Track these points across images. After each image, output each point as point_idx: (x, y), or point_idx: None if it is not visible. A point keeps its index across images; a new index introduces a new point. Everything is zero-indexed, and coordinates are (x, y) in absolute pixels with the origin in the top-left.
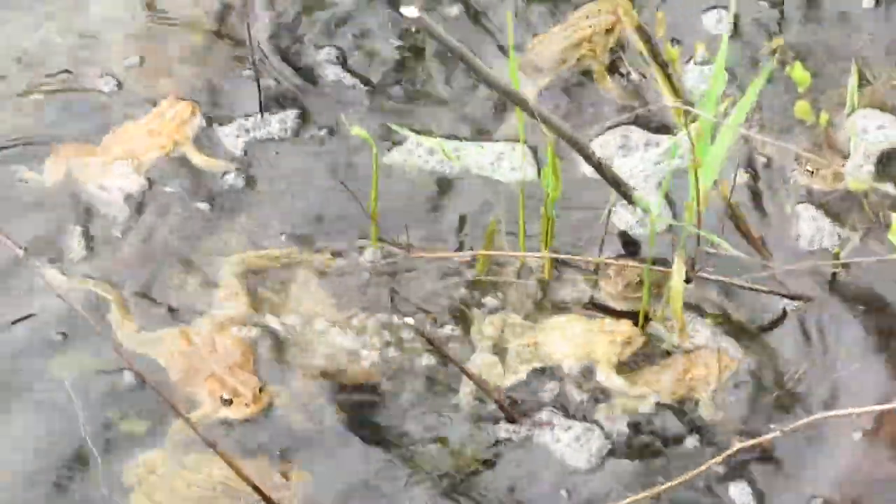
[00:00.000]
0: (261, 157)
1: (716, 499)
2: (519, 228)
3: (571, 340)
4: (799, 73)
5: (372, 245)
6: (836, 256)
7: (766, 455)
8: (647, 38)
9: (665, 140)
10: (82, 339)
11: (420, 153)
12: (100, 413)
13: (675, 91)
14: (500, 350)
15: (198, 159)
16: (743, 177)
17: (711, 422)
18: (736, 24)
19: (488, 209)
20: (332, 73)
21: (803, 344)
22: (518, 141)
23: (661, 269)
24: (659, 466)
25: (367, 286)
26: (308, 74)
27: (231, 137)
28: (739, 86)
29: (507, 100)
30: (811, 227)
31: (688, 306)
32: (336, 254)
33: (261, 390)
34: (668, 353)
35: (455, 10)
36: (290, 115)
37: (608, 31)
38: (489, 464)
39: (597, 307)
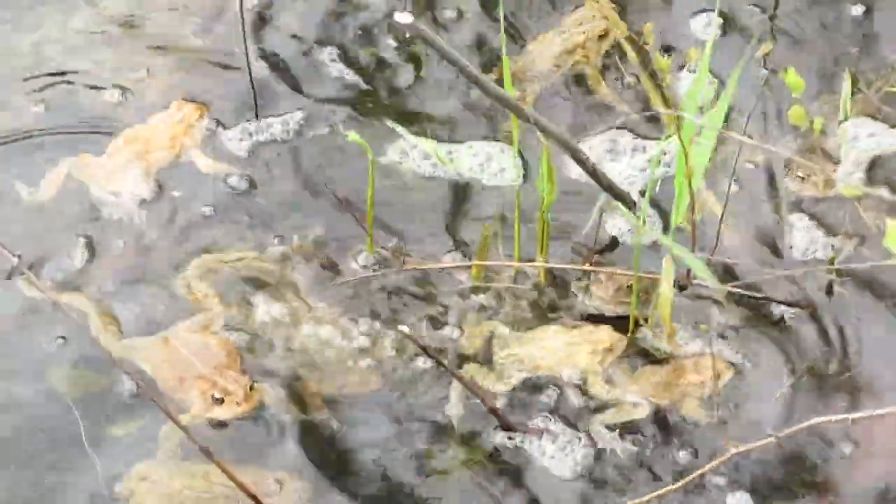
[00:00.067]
0: (263, 159)
1: None
2: (514, 234)
3: (555, 352)
4: (793, 78)
5: (367, 251)
6: (832, 262)
7: (762, 461)
8: (639, 48)
9: (653, 146)
10: (80, 347)
11: (415, 155)
12: (97, 420)
13: (665, 99)
14: (487, 359)
15: (203, 163)
16: (735, 185)
17: (705, 428)
18: (725, 30)
19: (483, 211)
20: (332, 73)
21: (799, 350)
22: (510, 142)
23: (651, 275)
24: (651, 474)
25: (360, 291)
26: (308, 75)
27: (235, 141)
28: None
29: (502, 106)
30: (805, 237)
31: (682, 312)
32: (331, 262)
33: (251, 388)
34: (658, 360)
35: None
36: (292, 117)
37: (601, 37)
38: (481, 469)
39: (591, 318)
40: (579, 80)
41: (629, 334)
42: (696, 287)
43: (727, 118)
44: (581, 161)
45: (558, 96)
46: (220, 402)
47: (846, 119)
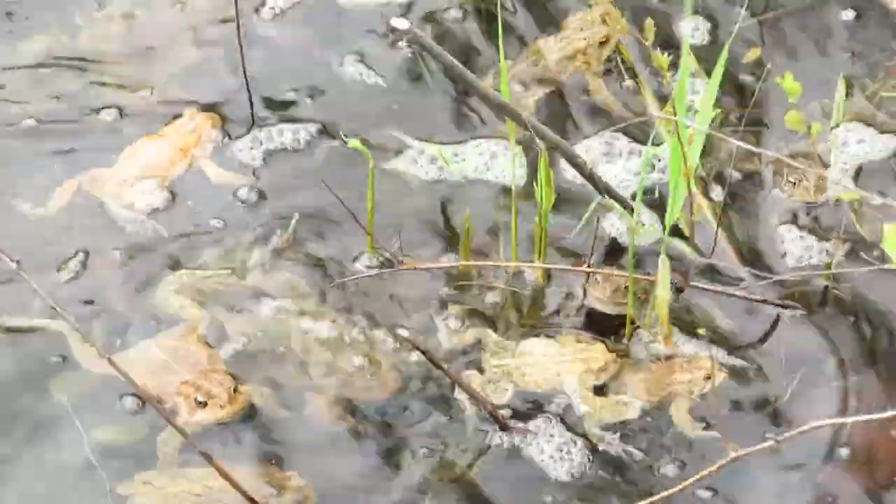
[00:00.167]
0: (273, 169)
1: None
2: (511, 235)
3: (547, 369)
4: (790, 83)
5: (368, 251)
6: (829, 267)
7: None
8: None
9: (645, 149)
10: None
11: (422, 161)
12: (98, 429)
13: (662, 100)
14: (478, 365)
15: (214, 172)
16: (729, 189)
17: (701, 430)
18: (714, 34)
19: (487, 212)
20: (341, 81)
21: (796, 353)
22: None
23: (648, 277)
24: (645, 477)
25: (359, 292)
26: (314, 82)
27: (245, 151)
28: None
29: (501, 112)
30: (797, 242)
31: (678, 314)
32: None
33: (235, 390)
34: (654, 360)
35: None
36: (301, 126)
37: (602, 44)
38: (478, 470)
39: (588, 317)
40: (579, 84)
41: (626, 335)
42: (694, 289)
43: (723, 123)
44: (578, 165)
45: (558, 100)
46: (204, 405)
47: (838, 125)
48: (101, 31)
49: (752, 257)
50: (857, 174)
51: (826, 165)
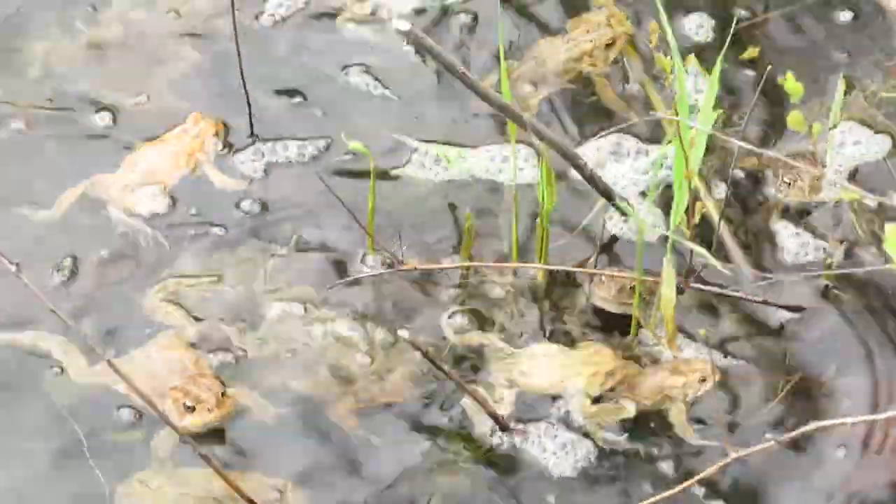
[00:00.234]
0: (276, 179)
1: None
2: (512, 236)
3: (550, 373)
4: (792, 84)
5: (369, 252)
6: (829, 267)
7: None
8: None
9: (655, 150)
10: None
11: (431, 164)
12: (97, 432)
13: (666, 102)
14: (481, 367)
15: (217, 178)
16: (730, 189)
17: (702, 431)
18: (716, 33)
19: (492, 212)
20: (346, 89)
21: (797, 353)
22: (526, 143)
23: (653, 279)
24: (645, 478)
25: (358, 292)
26: (318, 89)
27: (248, 163)
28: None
29: (502, 113)
30: (793, 242)
31: (679, 315)
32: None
33: (224, 394)
34: (657, 361)
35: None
36: (302, 131)
37: (608, 46)
38: (478, 469)
39: (595, 313)
40: (585, 85)
41: (631, 335)
42: (694, 289)
43: (726, 123)
44: (579, 167)
45: (563, 101)
46: (192, 409)
47: (835, 126)
48: (100, 36)
49: (752, 257)
50: (853, 175)
51: (821, 165)
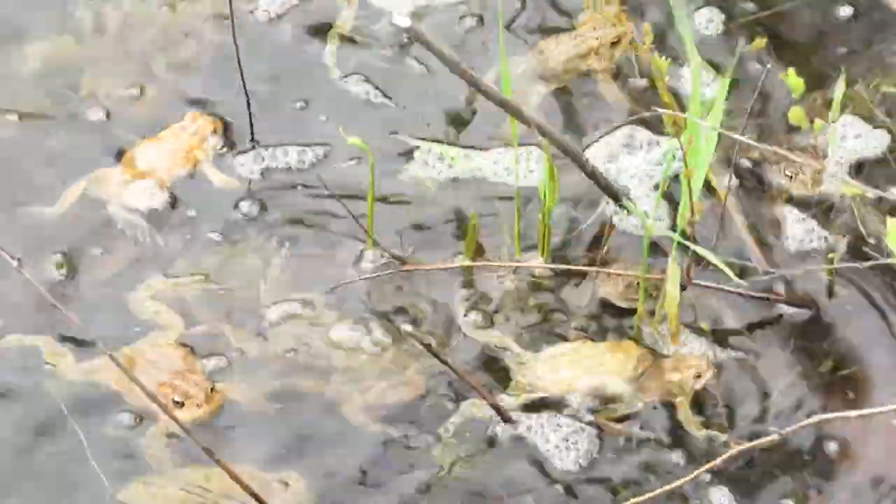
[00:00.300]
0: (276, 184)
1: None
2: (515, 234)
3: (572, 371)
4: (793, 79)
5: (370, 251)
6: (831, 262)
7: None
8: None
9: (667, 141)
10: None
11: (435, 164)
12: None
13: (670, 100)
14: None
15: (216, 176)
16: (733, 182)
17: (705, 425)
18: (721, 27)
19: (497, 212)
20: (349, 90)
21: (800, 348)
22: (535, 144)
23: (657, 276)
24: (650, 469)
25: (358, 292)
26: (317, 88)
27: (248, 166)
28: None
29: (503, 110)
30: (796, 235)
31: (684, 310)
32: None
33: (213, 390)
34: (660, 356)
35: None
36: (302, 133)
37: (614, 44)
38: (481, 461)
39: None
40: (590, 82)
41: (634, 331)
42: (697, 286)
43: (727, 116)
44: (581, 164)
45: (568, 98)
46: (181, 405)
47: (836, 120)
48: (98, 32)
49: (754, 251)
50: (854, 169)
51: (823, 159)
